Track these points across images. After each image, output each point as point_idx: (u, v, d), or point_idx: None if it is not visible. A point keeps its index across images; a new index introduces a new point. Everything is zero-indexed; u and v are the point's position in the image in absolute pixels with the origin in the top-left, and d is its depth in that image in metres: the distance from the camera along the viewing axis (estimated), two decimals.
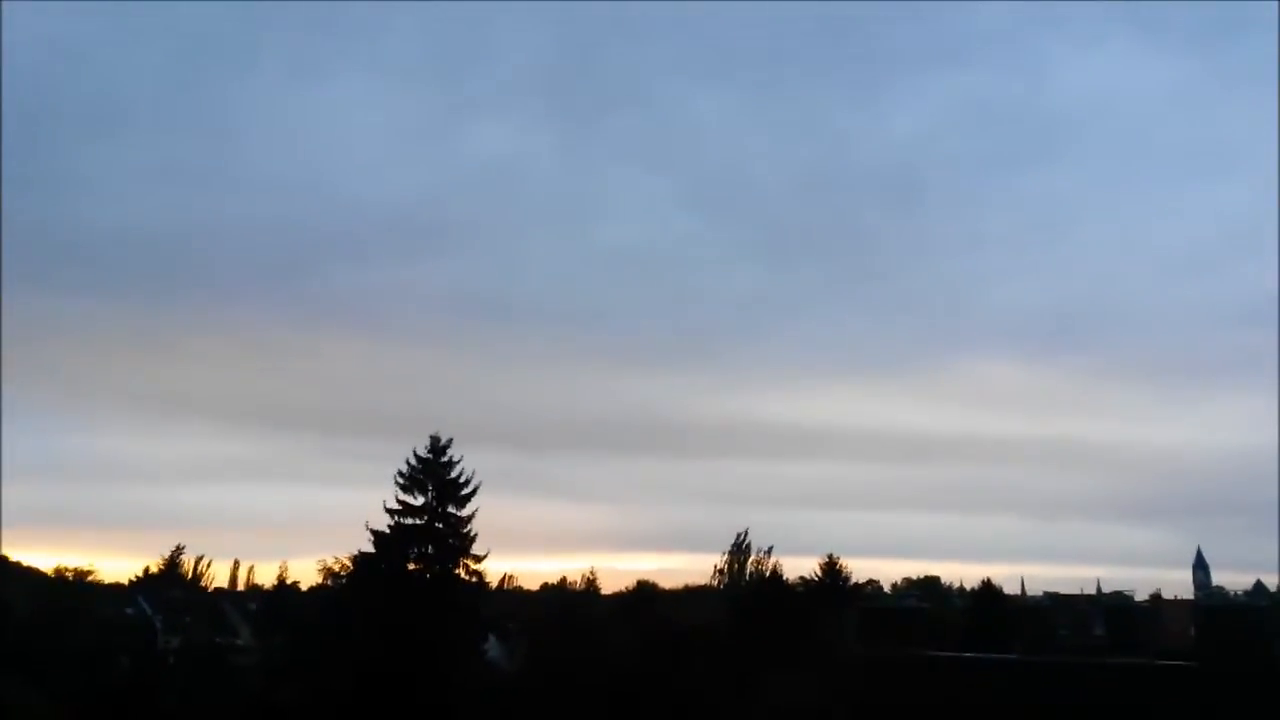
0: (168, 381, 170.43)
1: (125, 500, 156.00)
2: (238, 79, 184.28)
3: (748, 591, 70.58)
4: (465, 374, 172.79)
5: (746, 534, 75.89)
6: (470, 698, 42.72)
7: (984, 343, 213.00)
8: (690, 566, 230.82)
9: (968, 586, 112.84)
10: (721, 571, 76.03)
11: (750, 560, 74.94)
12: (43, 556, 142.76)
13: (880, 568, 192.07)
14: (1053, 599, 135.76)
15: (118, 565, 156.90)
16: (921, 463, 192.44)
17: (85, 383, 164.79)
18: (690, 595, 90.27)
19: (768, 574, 73.08)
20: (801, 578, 76.75)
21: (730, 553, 75.51)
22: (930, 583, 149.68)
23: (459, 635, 45.94)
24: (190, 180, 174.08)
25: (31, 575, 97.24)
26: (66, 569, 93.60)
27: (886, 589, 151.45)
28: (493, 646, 60.37)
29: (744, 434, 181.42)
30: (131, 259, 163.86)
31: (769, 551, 74.70)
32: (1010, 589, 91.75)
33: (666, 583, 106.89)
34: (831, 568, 76.79)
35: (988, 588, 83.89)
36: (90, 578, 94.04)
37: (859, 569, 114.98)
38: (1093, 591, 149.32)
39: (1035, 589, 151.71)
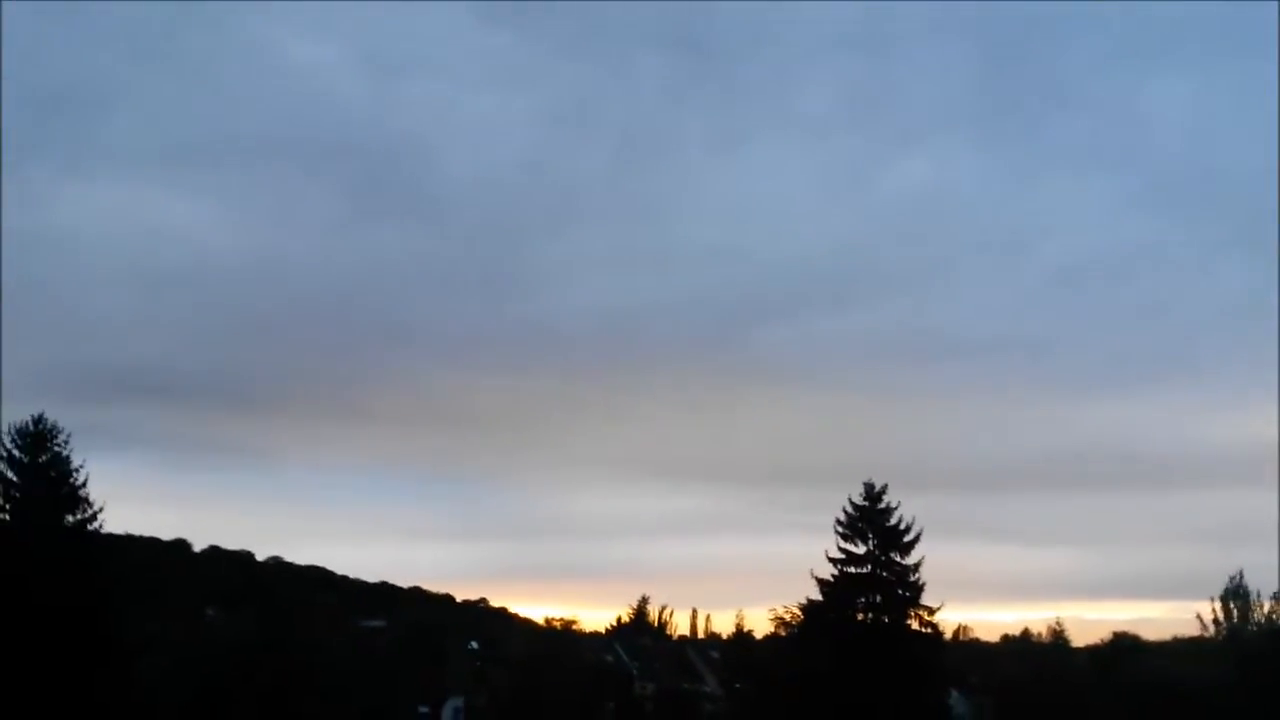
0: (626, 445, 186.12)
1: (596, 554, 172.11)
2: (665, 162, 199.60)
3: (1256, 645, 60.55)
4: (903, 417, 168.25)
5: (1241, 576, 65.26)
6: None
7: None
8: (1174, 616, 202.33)
9: None
10: (1216, 621, 66.02)
11: (1254, 607, 64.29)
12: (533, 607, 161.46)
13: None
14: None
15: (593, 615, 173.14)
16: None
17: (563, 451, 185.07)
18: (1180, 649, 79.60)
19: None
20: None
21: (1223, 599, 65.31)
22: None
23: (918, 689, 44.36)
24: (632, 261, 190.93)
25: (526, 625, 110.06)
26: (554, 620, 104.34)
27: None
28: (957, 702, 57.63)
29: (1237, 459, 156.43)
30: (588, 338, 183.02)
31: (1277, 597, 63.59)
32: None
33: (1148, 634, 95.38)
34: None
35: None
36: (574, 627, 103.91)
37: None
38: None
39: None
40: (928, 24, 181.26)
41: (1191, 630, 72.08)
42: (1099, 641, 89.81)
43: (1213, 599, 65.57)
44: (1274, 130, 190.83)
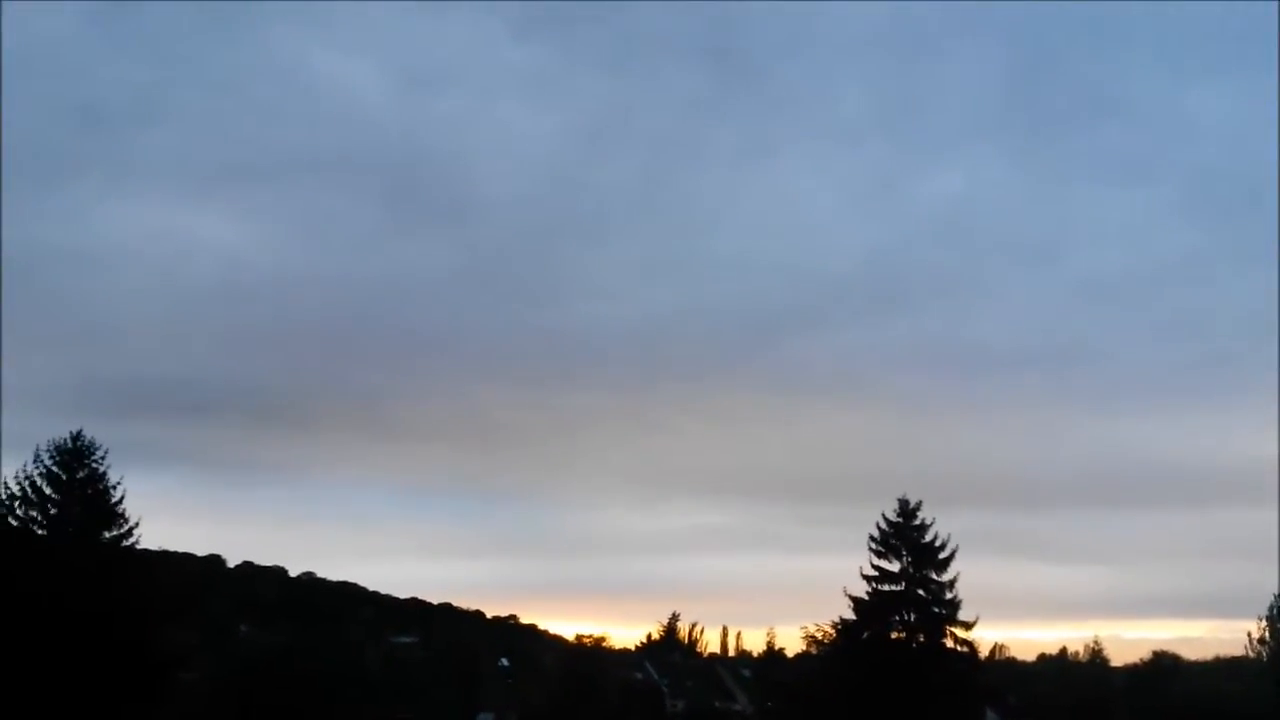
0: (656, 459, 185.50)
1: (626, 570, 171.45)
2: (696, 173, 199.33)
3: None
4: (937, 431, 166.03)
5: None
6: None
7: None
8: (1217, 635, 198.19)
9: None
10: (1261, 641, 64.66)
11: None
12: (563, 624, 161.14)
13: None
14: None
15: (623, 631, 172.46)
16: None
17: (593, 465, 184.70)
18: (1222, 669, 78.13)
19: None
20: None
21: (1267, 618, 63.96)
22: None
23: (953, 708, 43.76)
24: (663, 273, 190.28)
25: (556, 642, 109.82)
26: (585, 637, 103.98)
27: None
28: None
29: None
30: (619, 351, 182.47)
31: None
32: None
33: (1189, 654, 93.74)
34: None
35: None
36: (604, 644, 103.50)
37: None
38: None
39: None
40: (961, 28, 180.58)
41: (1235, 650, 70.72)
42: (1138, 661, 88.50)
43: (1260, 618, 64.27)
44: None
